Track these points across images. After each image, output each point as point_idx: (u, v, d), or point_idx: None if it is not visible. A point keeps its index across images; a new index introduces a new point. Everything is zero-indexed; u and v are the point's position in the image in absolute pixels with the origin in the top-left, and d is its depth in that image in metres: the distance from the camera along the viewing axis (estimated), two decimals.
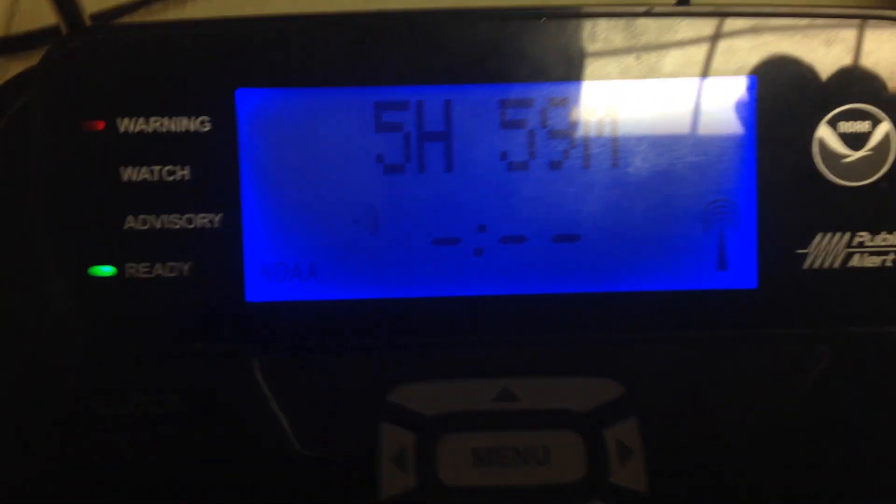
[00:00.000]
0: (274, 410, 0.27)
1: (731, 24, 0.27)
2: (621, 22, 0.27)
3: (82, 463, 0.27)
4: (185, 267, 0.26)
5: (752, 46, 0.27)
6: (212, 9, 0.39)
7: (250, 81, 0.26)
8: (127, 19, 0.38)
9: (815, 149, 0.27)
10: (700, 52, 0.27)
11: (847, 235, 0.27)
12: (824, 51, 0.27)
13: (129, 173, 0.26)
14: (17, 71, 0.37)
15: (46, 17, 0.29)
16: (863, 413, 0.27)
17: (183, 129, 0.26)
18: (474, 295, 0.27)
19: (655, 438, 0.26)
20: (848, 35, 0.27)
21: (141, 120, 0.26)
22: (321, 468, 0.27)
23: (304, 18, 0.27)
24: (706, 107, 0.27)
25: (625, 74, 0.27)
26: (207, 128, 0.26)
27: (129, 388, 0.26)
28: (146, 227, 0.26)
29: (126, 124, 0.26)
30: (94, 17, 0.35)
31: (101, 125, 0.26)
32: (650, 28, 0.27)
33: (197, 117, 0.26)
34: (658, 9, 0.27)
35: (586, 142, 0.27)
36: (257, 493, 0.27)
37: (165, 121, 0.26)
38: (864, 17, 0.27)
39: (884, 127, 0.27)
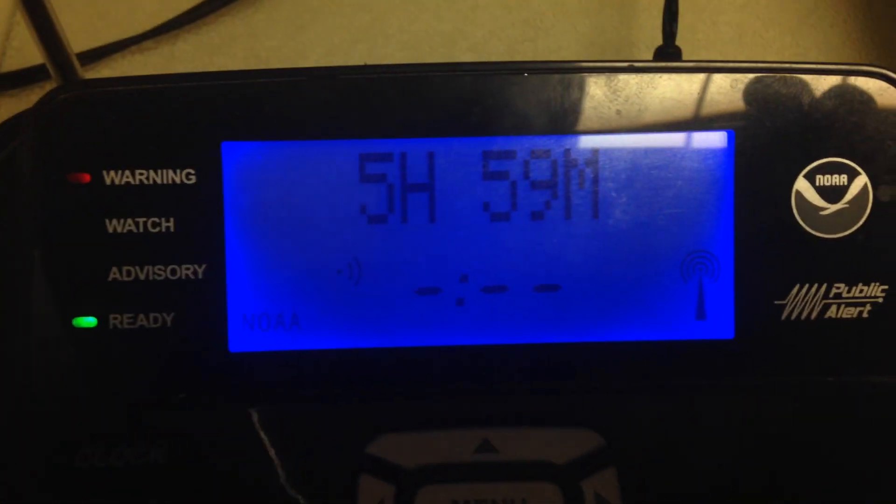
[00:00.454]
0: (254, 461, 0.27)
1: (710, 79, 0.27)
2: (602, 77, 0.27)
3: None
4: (168, 317, 0.26)
5: (730, 101, 0.27)
6: (202, 47, 0.39)
7: (236, 135, 0.27)
8: (117, 56, 0.38)
9: (793, 201, 0.27)
10: (679, 106, 0.27)
11: (824, 287, 0.27)
12: (802, 105, 0.27)
13: (115, 225, 0.26)
14: (7, 109, 0.37)
15: (37, 55, 0.29)
16: (841, 462, 0.27)
17: (169, 182, 0.26)
18: (455, 345, 0.27)
19: (633, 489, 0.27)
20: (826, 89, 0.27)
21: (127, 172, 0.26)
22: None
23: (290, 73, 0.27)
24: (685, 160, 0.27)
25: (605, 127, 0.27)
26: (193, 180, 0.26)
27: (111, 438, 0.26)
28: (130, 279, 0.26)
29: (112, 176, 0.26)
30: (83, 55, 0.36)
31: (86, 178, 0.26)
32: (630, 83, 0.27)
33: (183, 170, 0.26)
34: (638, 64, 0.27)
35: (568, 193, 0.27)
36: None
37: (151, 173, 0.26)
38: (842, 73, 0.27)
39: (861, 180, 0.27)
